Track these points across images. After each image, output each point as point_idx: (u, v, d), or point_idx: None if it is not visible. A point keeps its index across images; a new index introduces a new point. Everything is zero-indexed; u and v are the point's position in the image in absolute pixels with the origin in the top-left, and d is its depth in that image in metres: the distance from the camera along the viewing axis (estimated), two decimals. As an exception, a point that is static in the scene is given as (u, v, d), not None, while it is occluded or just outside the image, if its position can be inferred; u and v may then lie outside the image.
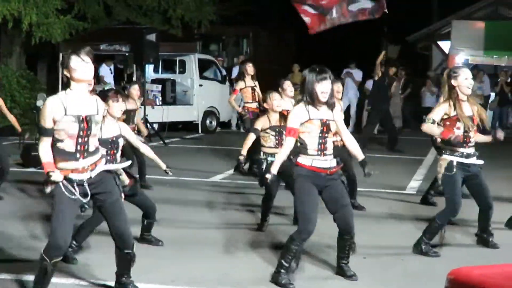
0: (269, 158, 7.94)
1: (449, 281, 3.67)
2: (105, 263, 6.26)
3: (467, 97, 7.12)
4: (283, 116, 8.09)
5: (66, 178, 5.28)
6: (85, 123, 5.27)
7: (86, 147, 5.30)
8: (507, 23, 20.85)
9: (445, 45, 22.13)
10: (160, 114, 17.66)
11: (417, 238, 7.58)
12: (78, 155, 5.28)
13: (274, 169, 6.17)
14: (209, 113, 19.49)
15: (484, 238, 7.63)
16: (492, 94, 21.01)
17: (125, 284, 5.77)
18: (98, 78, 17.24)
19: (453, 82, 7.06)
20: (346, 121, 9.96)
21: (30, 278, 5.77)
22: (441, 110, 7.09)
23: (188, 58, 19.36)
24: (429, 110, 10.14)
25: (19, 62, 19.58)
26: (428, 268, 6.72)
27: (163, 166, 7.33)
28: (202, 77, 19.54)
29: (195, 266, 6.65)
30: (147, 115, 16.23)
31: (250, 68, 12.22)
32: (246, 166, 8.30)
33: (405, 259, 7.12)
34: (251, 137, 8.09)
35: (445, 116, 7.07)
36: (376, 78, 15.67)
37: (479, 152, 7.36)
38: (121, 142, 6.99)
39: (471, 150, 7.19)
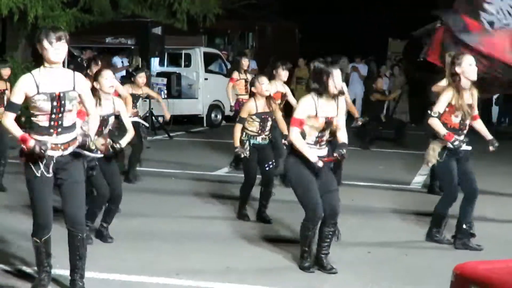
0: (251, 140, 8.09)
1: (454, 276, 3.67)
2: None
3: (470, 83, 7.08)
4: (271, 98, 8.20)
5: (40, 150, 5.24)
6: (58, 100, 5.25)
7: (60, 122, 5.30)
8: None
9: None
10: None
11: (422, 233, 7.60)
12: (52, 130, 5.29)
13: (312, 157, 6.09)
14: (214, 106, 19.48)
15: (471, 233, 7.46)
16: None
17: (77, 282, 5.58)
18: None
19: (457, 69, 7.01)
20: (351, 115, 9.95)
21: (34, 269, 5.79)
22: (445, 100, 7.05)
23: (193, 52, 19.36)
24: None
25: (25, 55, 19.56)
26: (433, 263, 6.71)
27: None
28: (207, 70, 19.53)
29: (198, 260, 6.65)
30: (152, 108, 16.25)
31: (245, 62, 12.45)
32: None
33: (409, 254, 7.11)
34: (238, 127, 8.09)
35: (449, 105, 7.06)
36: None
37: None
38: (111, 120, 7.05)
39: (464, 138, 7.17)
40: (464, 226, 7.33)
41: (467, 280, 3.57)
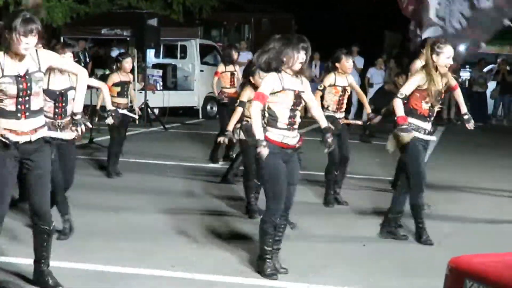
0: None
1: (449, 269, 3.67)
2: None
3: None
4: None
5: (3, 136, 5.13)
6: (25, 83, 5.13)
7: (27, 106, 5.17)
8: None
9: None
10: (161, 99, 17.65)
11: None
12: (19, 114, 5.16)
13: (259, 135, 5.81)
14: (210, 98, 19.44)
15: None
16: (494, 83, 21.01)
17: (42, 272, 5.48)
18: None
19: (434, 57, 6.92)
20: (348, 108, 9.93)
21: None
22: (415, 83, 6.96)
23: (189, 44, 19.33)
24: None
25: (20, 46, 19.52)
26: (428, 256, 6.72)
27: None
28: (203, 62, 19.51)
29: (193, 253, 6.65)
30: (147, 100, 16.22)
31: (235, 54, 12.32)
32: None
33: (405, 247, 7.11)
34: (239, 110, 8.05)
35: (417, 87, 6.96)
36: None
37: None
38: (70, 95, 6.66)
39: (431, 127, 7.10)
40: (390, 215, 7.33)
41: (462, 273, 3.57)
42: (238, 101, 8.16)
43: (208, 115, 19.25)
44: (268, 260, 6.01)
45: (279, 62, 5.86)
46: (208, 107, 19.43)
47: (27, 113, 5.19)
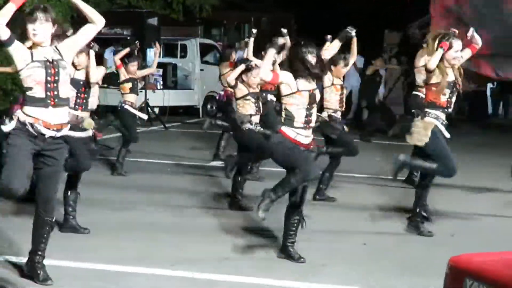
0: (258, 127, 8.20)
1: (449, 268, 3.68)
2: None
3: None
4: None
5: (32, 124, 5.21)
6: (53, 68, 5.23)
7: (56, 92, 5.25)
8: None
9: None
10: (161, 98, 17.64)
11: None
12: (48, 101, 5.24)
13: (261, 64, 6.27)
14: (210, 97, 19.44)
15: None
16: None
17: (36, 264, 5.51)
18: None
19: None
20: (347, 108, 9.97)
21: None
22: (422, 61, 7.17)
23: (189, 43, 19.33)
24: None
25: (21, 45, 19.52)
26: (428, 255, 6.73)
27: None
28: (203, 61, 19.51)
29: (194, 251, 6.65)
30: (148, 99, 16.22)
31: (232, 56, 12.48)
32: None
33: (405, 246, 7.12)
34: (241, 66, 8.18)
35: (432, 82, 7.11)
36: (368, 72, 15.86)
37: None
38: (93, 87, 6.93)
39: (446, 121, 7.26)
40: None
41: (462, 272, 3.57)
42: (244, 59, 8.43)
43: (209, 114, 19.23)
44: (290, 246, 6.35)
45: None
46: (208, 106, 19.41)
47: (56, 100, 5.26)
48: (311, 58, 6.13)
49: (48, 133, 5.29)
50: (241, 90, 8.25)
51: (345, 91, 8.83)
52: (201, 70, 19.29)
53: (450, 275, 3.67)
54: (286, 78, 6.10)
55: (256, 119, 8.30)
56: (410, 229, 7.46)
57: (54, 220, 5.57)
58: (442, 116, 7.21)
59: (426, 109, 7.20)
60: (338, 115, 8.70)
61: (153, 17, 16.80)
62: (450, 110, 7.27)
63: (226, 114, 12.02)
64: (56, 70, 5.25)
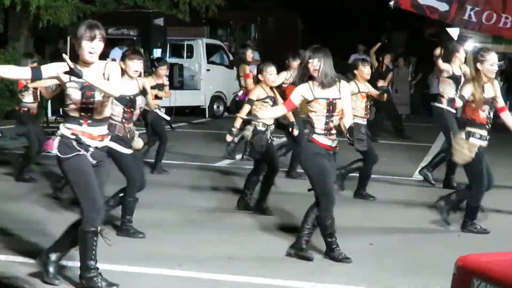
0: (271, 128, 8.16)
1: (457, 268, 3.67)
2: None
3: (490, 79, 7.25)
4: (275, 89, 8.29)
5: (76, 138, 5.26)
6: (89, 91, 5.22)
7: (89, 114, 5.27)
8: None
9: (454, 32, 22.00)
10: (167, 98, 17.58)
11: (423, 225, 7.62)
12: (81, 121, 5.26)
13: (261, 115, 6.60)
14: (216, 98, 19.47)
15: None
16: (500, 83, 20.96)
17: (94, 277, 5.41)
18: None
19: (478, 65, 7.17)
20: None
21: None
22: (468, 90, 7.17)
23: (195, 43, 19.34)
24: (437, 97, 10.17)
25: (27, 46, 19.53)
26: (435, 255, 6.71)
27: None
28: (209, 62, 19.52)
29: (201, 251, 6.66)
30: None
31: (250, 55, 12.42)
32: (232, 146, 8.28)
33: (412, 246, 7.11)
34: (246, 108, 8.07)
35: (471, 98, 7.15)
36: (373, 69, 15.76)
37: (488, 140, 7.37)
38: (139, 100, 7.09)
39: (487, 135, 7.36)
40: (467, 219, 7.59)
41: (470, 272, 3.56)
42: (247, 98, 8.18)
43: (215, 115, 19.25)
44: (336, 248, 6.40)
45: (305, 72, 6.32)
46: (215, 107, 19.43)
47: (89, 121, 5.28)
48: (315, 65, 6.20)
49: (93, 143, 5.32)
50: (258, 91, 8.16)
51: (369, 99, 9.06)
52: (208, 70, 19.30)
53: (457, 275, 3.66)
54: (298, 95, 6.28)
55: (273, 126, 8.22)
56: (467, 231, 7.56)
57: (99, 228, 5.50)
58: (485, 133, 7.28)
59: (469, 129, 7.24)
60: (363, 121, 8.87)
61: (159, 18, 16.79)
62: (489, 126, 7.30)
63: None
64: (92, 93, 5.24)
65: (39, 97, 9.90)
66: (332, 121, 6.27)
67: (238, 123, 8.13)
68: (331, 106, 6.23)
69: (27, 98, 9.73)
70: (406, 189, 9.98)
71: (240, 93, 12.21)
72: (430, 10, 11.66)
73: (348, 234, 7.17)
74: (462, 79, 9.49)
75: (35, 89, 9.76)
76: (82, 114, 5.26)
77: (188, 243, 6.91)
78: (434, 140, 14.40)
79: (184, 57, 19.64)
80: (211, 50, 19.78)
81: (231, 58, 20.19)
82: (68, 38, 17.70)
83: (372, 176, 9.65)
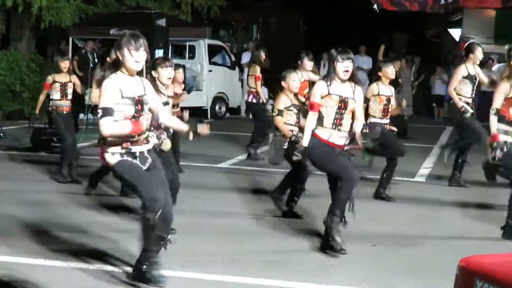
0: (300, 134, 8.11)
1: (460, 269, 3.67)
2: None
3: None
4: (297, 95, 8.32)
5: (127, 149, 5.35)
6: (139, 105, 5.35)
7: (142, 128, 5.37)
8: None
9: (455, 33, 22.03)
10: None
11: (426, 225, 7.60)
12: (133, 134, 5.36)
13: (305, 142, 6.55)
14: (218, 98, 19.47)
15: None
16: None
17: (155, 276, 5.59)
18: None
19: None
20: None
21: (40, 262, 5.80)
22: (502, 94, 7.19)
23: (197, 44, 19.34)
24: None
25: (29, 46, 19.56)
26: (437, 256, 6.71)
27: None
28: (211, 62, 19.52)
29: (203, 252, 6.66)
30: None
31: (263, 56, 12.53)
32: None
33: (413, 246, 7.11)
34: (279, 119, 8.02)
35: (505, 97, 7.19)
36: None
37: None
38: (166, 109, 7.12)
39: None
40: (510, 221, 7.38)
41: (473, 273, 3.56)
42: (276, 110, 8.12)
43: (217, 115, 19.25)
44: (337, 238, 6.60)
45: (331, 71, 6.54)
46: (217, 107, 19.43)
47: (139, 133, 5.36)
48: (346, 64, 6.42)
49: (139, 149, 5.42)
50: (284, 100, 8.14)
51: (391, 103, 9.05)
52: (209, 71, 19.30)
53: (460, 277, 3.66)
54: (317, 93, 6.51)
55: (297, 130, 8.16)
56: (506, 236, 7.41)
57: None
58: (511, 129, 7.26)
59: (500, 125, 7.24)
60: (383, 121, 8.99)
61: (161, 18, 16.80)
62: None
63: (256, 116, 12.12)
64: (142, 106, 5.38)
65: (69, 94, 9.83)
66: (342, 118, 6.47)
67: (288, 132, 7.97)
68: (343, 103, 6.47)
69: (55, 95, 9.72)
70: (407, 190, 9.97)
71: (251, 97, 12.20)
72: (409, 2, 11.85)
73: (350, 235, 7.16)
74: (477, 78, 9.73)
75: (63, 85, 9.72)
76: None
77: (190, 244, 6.90)
78: (436, 141, 14.41)
79: (186, 57, 19.63)
80: (213, 51, 19.78)
81: (233, 58, 20.20)
82: (70, 38, 17.74)
83: (373, 177, 9.67)
